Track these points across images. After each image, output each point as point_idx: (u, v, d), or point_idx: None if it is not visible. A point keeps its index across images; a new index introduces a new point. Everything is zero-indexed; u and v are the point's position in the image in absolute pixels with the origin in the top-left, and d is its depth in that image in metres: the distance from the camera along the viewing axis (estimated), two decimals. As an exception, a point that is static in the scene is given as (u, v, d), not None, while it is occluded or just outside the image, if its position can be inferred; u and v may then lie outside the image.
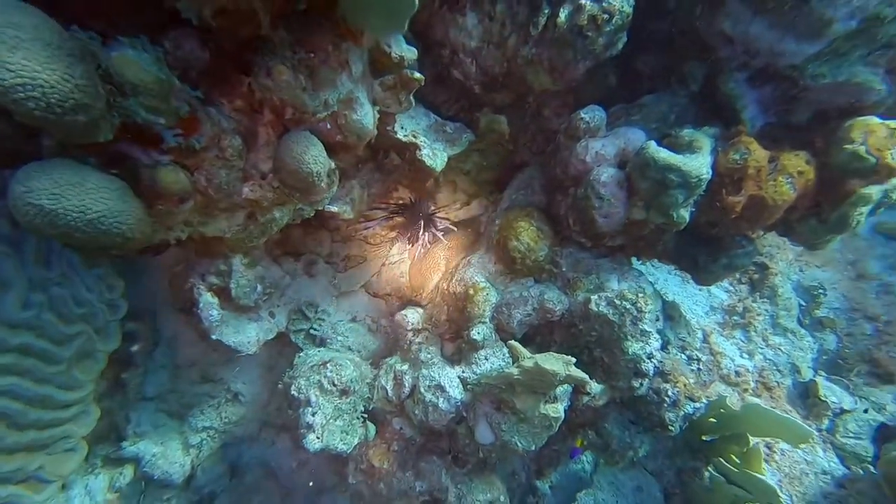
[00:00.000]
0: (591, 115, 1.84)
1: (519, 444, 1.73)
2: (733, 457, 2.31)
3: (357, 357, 2.12)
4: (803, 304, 3.48)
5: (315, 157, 1.14)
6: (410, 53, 1.69)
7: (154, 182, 0.99)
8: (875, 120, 1.50)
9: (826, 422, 2.93)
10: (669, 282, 3.14)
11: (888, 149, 1.46)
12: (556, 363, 1.48)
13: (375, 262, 2.76)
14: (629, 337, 1.73)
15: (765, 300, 3.37)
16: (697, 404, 1.84)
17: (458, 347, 1.91)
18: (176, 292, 2.25)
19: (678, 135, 1.64)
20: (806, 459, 2.76)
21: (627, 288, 1.86)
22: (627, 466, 2.53)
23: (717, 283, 2.08)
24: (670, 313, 2.34)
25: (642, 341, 1.73)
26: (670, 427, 1.84)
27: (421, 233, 2.37)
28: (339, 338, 2.45)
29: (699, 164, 1.48)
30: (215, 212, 1.18)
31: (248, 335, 2.29)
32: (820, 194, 1.68)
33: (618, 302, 1.76)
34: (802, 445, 2.71)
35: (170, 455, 2.34)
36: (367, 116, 1.30)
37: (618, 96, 2.22)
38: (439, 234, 2.34)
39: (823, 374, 3.23)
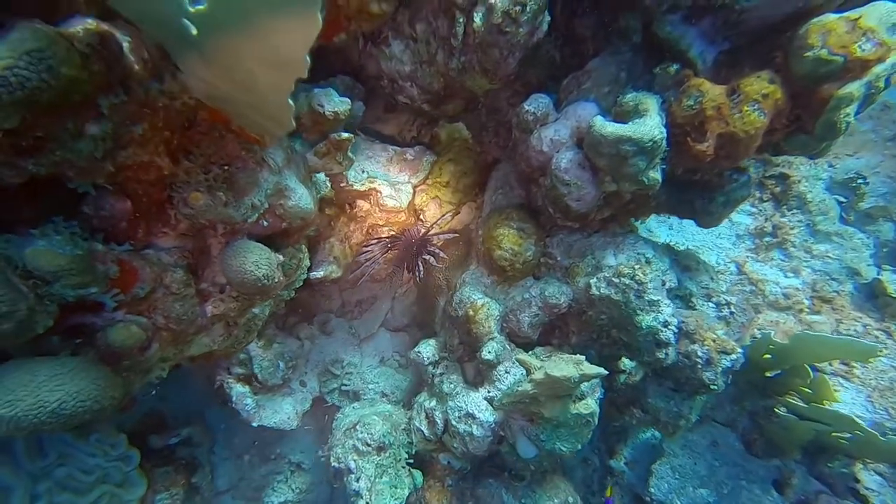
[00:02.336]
0: (535, 104, 1.79)
1: (563, 448, 1.70)
2: (803, 389, 2.18)
3: (388, 405, 2.15)
4: (843, 200, 3.21)
5: (256, 263, 1.17)
6: (344, 106, 1.71)
7: (108, 345, 1.04)
8: (830, 17, 1.35)
9: (904, 320, 2.70)
10: (683, 229, 2.98)
11: (853, 42, 1.31)
12: (567, 367, 1.44)
13: (386, 298, 2.78)
14: (638, 311, 1.66)
15: (795, 211, 3.13)
16: (734, 355, 1.74)
17: (478, 368, 1.89)
18: (213, 389, 2.36)
19: (622, 102, 1.55)
20: (893, 366, 2.55)
21: (624, 262, 1.78)
22: (695, 425, 2.43)
23: (723, 220, 1.96)
24: (686, 264, 2.22)
25: (653, 312, 1.66)
26: (713, 387, 1.75)
27: (415, 261, 2.37)
28: (371, 386, 2.50)
29: (649, 127, 1.40)
30: (188, 338, 1.23)
31: (285, 412, 2.38)
32: (797, 108, 1.55)
33: (616, 280, 1.69)
34: (886, 352, 2.51)
35: (257, 542, 2.46)
36: (302, 199, 1.31)
37: (567, 66, 2.14)
38: (433, 258, 2.32)
39: (889, 267, 2.95)
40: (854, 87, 1.39)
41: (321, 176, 1.75)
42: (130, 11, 0.80)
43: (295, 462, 2.63)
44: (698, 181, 1.79)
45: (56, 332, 1.01)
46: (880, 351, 2.14)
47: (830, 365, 2.37)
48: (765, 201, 3.21)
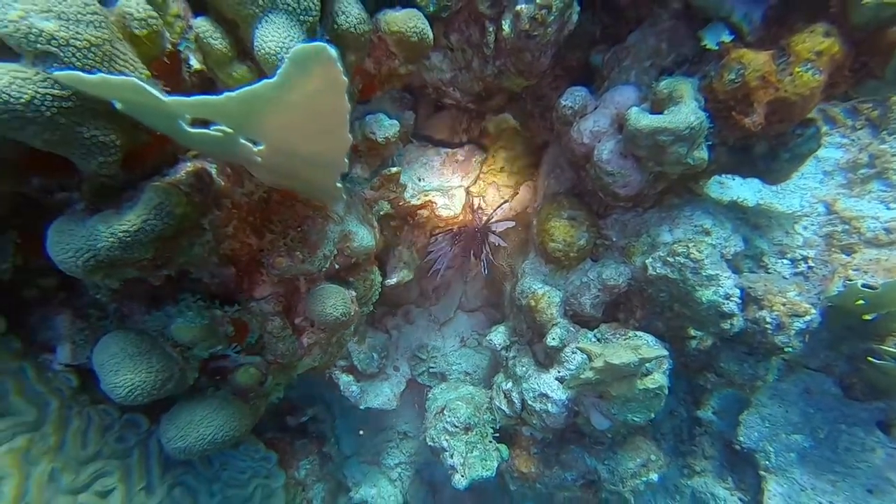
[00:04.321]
0: (572, 99, 1.78)
1: (635, 419, 1.82)
2: (902, 336, 2.05)
3: (471, 387, 2.40)
4: (964, 115, 2.74)
5: (334, 306, 1.40)
6: (393, 130, 1.89)
7: (237, 385, 1.37)
8: None
9: None
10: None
11: None
12: (625, 353, 1.54)
13: (459, 283, 2.99)
14: (697, 287, 1.68)
15: (896, 135, 2.74)
16: (808, 317, 1.70)
17: (546, 351, 2.05)
18: (326, 380, 2.78)
19: (656, 90, 1.51)
20: None
21: (680, 237, 1.78)
22: (786, 374, 2.39)
23: (791, 176, 1.84)
24: (756, 221, 2.12)
25: (714, 286, 1.66)
26: (787, 349, 1.73)
27: (478, 248, 2.53)
28: (455, 367, 2.78)
29: (684, 115, 1.37)
30: (293, 365, 1.53)
31: (385, 394, 2.76)
32: (862, 55, 1.41)
33: (671, 259, 1.71)
34: None
35: (383, 492, 2.93)
36: (364, 239, 1.52)
37: (608, 38, 2.07)
38: (499, 242, 2.45)
39: None
40: (928, 23, 1.24)
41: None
42: (211, 153, 1.01)
43: (402, 431, 3.05)
44: (757, 144, 1.70)
45: (202, 375, 1.35)
46: None
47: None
48: (858, 129, 2.83)
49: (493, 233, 2.48)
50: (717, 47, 1.48)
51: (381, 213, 2.14)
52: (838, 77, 1.41)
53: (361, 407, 2.65)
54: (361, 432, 3.08)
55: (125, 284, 1.19)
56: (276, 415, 2.83)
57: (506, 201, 2.65)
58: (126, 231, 0.91)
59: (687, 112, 1.38)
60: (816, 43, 1.35)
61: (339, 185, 1.11)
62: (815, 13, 1.39)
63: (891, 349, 1.97)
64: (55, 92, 0.80)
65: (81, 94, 0.83)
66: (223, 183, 1.14)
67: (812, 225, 2.49)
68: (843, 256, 2.38)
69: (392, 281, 2.27)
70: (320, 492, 2.66)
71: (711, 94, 1.47)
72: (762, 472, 2.20)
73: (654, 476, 2.08)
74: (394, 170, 1.71)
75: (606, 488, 2.10)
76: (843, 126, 2.73)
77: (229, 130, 0.80)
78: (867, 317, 2.16)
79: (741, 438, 2.33)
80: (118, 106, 0.83)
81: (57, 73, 0.77)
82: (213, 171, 1.12)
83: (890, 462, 2.04)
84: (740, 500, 2.32)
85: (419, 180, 2.36)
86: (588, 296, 2.01)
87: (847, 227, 2.54)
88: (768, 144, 1.69)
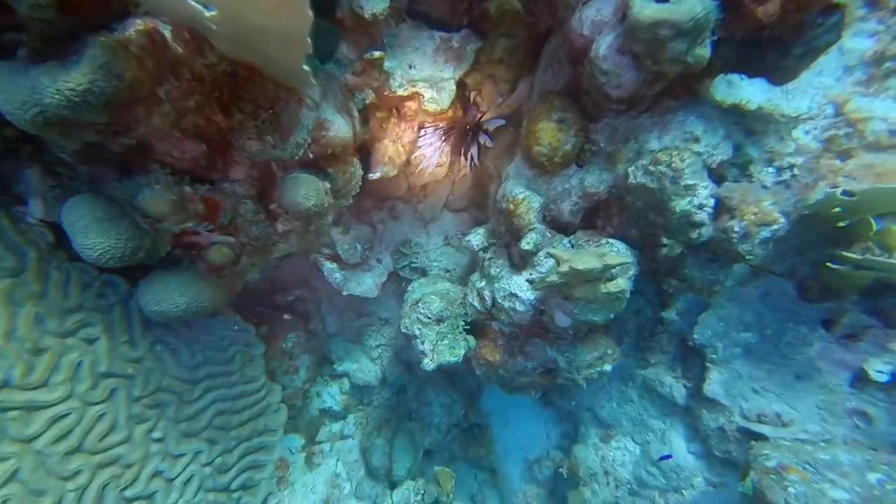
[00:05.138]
0: (575, -23, 1.60)
1: (595, 319, 1.94)
2: (870, 244, 2.09)
3: (447, 284, 2.50)
4: None
5: (306, 196, 1.39)
6: (382, 5, 1.72)
7: (209, 262, 1.41)
8: None
9: None
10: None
11: None
12: (591, 259, 1.59)
13: (447, 182, 2.96)
14: (673, 197, 1.68)
15: (941, 20, 2.43)
16: (775, 226, 1.72)
17: (520, 254, 2.11)
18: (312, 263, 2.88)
19: None
20: None
21: (668, 144, 1.73)
22: (747, 279, 2.46)
23: (800, 74, 1.72)
24: (752, 127, 2.04)
25: (689, 196, 1.66)
26: (748, 257, 1.79)
27: (468, 146, 2.46)
28: (436, 263, 2.88)
29: (688, 5, 1.24)
30: (269, 248, 1.57)
31: (367, 284, 2.88)
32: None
33: (652, 168, 1.69)
34: None
35: (364, 367, 3.22)
36: (340, 129, 1.46)
37: None
38: (486, 141, 2.37)
39: None
40: None
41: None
42: (161, 12, 0.93)
43: (383, 318, 3.25)
44: (768, 36, 1.56)
45: (176, 248, 1.40)
46: None
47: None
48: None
49: (485, 131, 2.39)
50: None
51: (367, 101, 2.03)
52: None
53: (344, 293, 2.78)
54: (347, 312, 3.27)
55: (88, 148, 1.16)
56: (266, 292, 3.02)
57: (502, 97, 2.52)
58: (72, 90, 0.87)
59: (692, 3, 1.25)
60: None
61: (305, 67, 1.04)
62: None
63: (851, 255, 2.02)
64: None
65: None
66: (180, 49, 1.06)
67: (815, 129, 2.34)
68: (837, 162, 2.29)
69: (375, 176, 2.24)
70: (306, 361, 2.94)
71: (723, -22, 1.32)
72: (707, 364, 2.40)
73: (607, 367, 2.27)
74: (376, 54, 1.59)
75: (563, 376, 2.31)
76: (886, 8, 2.43)
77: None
78: (841, 223, 2.18)
79: (695, 336, 2.47)
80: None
81: None
82: (168, 35, 1.03)
83: (822, 353, 2.21)
84: (685, 386, 2.58)
85: (409, 67, 2.20)
86: (568, 202, 2.01)
87: (851, 129, 2.37)
88: (781, 38, 1.55)
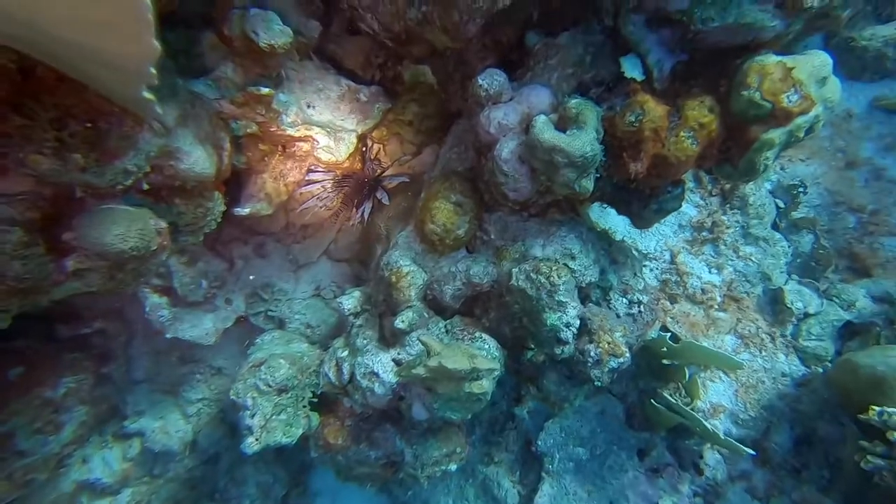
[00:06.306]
0: (489, 80, 1.67)
1: (452, 417, 1.86)
2: (680, 385, 2.46)
3: (304, 345, 2.21)
4: (782, 206, 3.31)
5: (122, 236, 1.07)
6: (283, 38, 1.53)
7: None
8: (771, 60, 1.34)
9: (790, 327, 2.96)
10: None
11: (782, 92, 1.31)
12: (461, 359, 1.52)
13: (332, 229, 2.70)
14: (546, 309, 1.75)
15: (735, 210, 3.21)
16: (621, 359, 1.90)
17: (393, 330, 1.96)
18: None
19: (566, 106, 1.49)
20: (765, 367, 2.86)
21: (550, 254, 1.82)
22: (591, 394, 2.69)
23: (654, 225, 2.02)
24: (614, 257, 2.30)
25: (560, 311, 1.75)
26: (597, 382, 1.93)
27: (363, 201, 2.29)
28: (297, 317, 2.54)
29: (581, 143, 1.36)
30: (45, 289, 1.15)
31: (204, 327, 2.40)
32: (730, 139, 1.54)
33: (533, 276, 1.75)
34: (763, 353, 2.81)
35: (170, 426, 2.59)
36: (197, 163, 1.20)
37: (544, 25, 1.96)
38: (384, 198, 2.24)
39: (796, 278, 3.16)
40: (776, 134, 1.41)
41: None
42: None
43: (216, 367, 2.71)
44: (635, 189, 1.79)
45: None
46: (742, 367, 2.43)
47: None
48: (713, 195, 3.24)
49: (384, 188, 2.27)
50: (635, 77, 1.49)
51: (248, 131, 1.77)
52: (708, 152, 1.54)
53: (168, 335, 2.26)
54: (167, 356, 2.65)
55: None
56: (41, 319, 2.26)
57: (406, 157, 2.45)
58: None
59: (585, 141, 1.37)
60: (702, 114, 1.44)
61: (146, 95, 0.81)
62: (710, 84, 1.48)
63: (665, 394, 2.34)
64: None
65: None
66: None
67: (656, 269, 2.81)
68: (668, 304, 2.74)
69: (244, 211, 1.94)
70: (80, 415, 2.24)
71: (611, 127, 1.49)
72: (543, 474, 2.47)
73: (453, 466, 2.18)
74: (264, 90, 1.41)
75: (406, 471, 2.14)
76: (704, 189, 3.10)
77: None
78: (666, 362, 2.54)
79: (539, 442, 2.58)
80: None
81: None
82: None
83: (632, 482, 2.45)
84: (518, 493, 2.59)
85: (308, 107, 2.02)
86: (451, 286, 1.96)
87: (678, 278, 2.92)
88: (643, 193, 1.79)
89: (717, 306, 2.99)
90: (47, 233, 1.06)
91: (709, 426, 2.09)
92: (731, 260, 3.12)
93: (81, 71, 0.85)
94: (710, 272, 3.09)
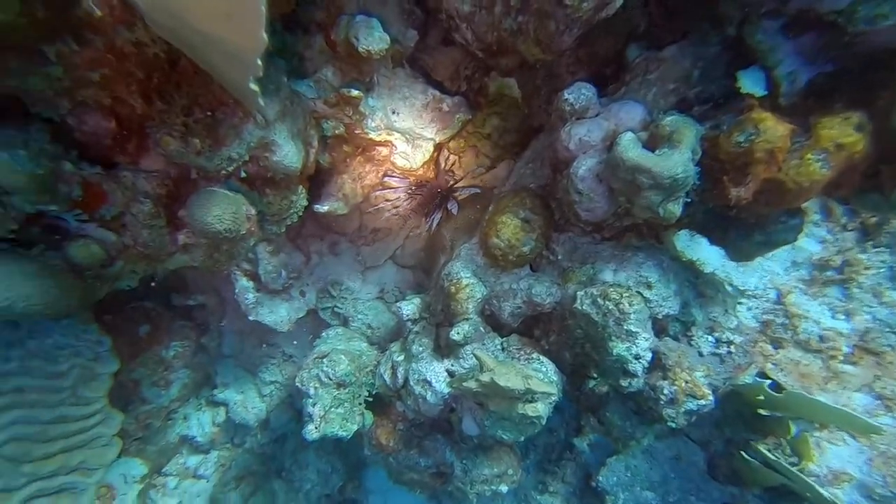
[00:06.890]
0: (576, 94, 1.55)
1: (504, 437, 1.77)
2: (783, 441, 2.09)
3: (364, 344, 2.27)
4: (944, 250, 2.69)
5: (219, 217, 1.18)
6: (381, 45, 1.59)
7: (69, 258, 1.14)
8: None
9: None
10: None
11: None
12: (515, 379, 1.44)
13: (400, 235, 2.77)
14: (613, 337, 1.58)
15: (882, 249, 2.65)
16: (702, 401, 1.66)
17: (448, 340, 1.93)
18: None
19: (659, 123, 1.31)
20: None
21: (622, 281, 1.66)
22: (662, 436, 2.41)
23: (755, 259, 1.75)
24: (702, 290, 2.03)
25: (628, 342, 1.57)
26: (670, 423, 1.70)
27: (433, 211, 2.32)
28: (360, 316, 2.63)
29: (672, 164, 1.19)
30: (161, 257, 1.32)
31: (280, 315, 2.57)
32: (883, 163, 1.25)
33: (601, 302, 1.59)
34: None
35: (249, 402, 2.83)
36: (287, 157, 1.28)
37: (649, 38, 1.81)
38: (454, 209, 2.24)
39: (959, 333, 2.53)
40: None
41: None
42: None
43: (288, 353, 2.89)
44: (735, 217, 1.56)
45: (31, 228, 1.11)
46: (881, 432, 1.97)
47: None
48: (849, 230, 2.72)
49: (455, 199, 2.27)
50: (755, 92, 1.29)
51: (336, 132, 1.87)
52: (848, 177, 1.26)
53: (250, 318, 2.46)
54: (250, 336, 2.91)
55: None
56: (162, 287, 2.57)
57: (480, 169, 2.42)
58: None
59: (677, 161, 1.20)
60: (843, 133, 1.18)
61: (253, 86, 0.87)
62: (861, 98, 1.21)
63: (764, 451, 2.00)
64: None
65: None
66: (98, 12, 0.86)
67: (756, 308, 2.44)
68: (769, 348, 2.36)
69: (322, 208, 2.04)
70: (184, 377, 2.54)
71: (713, 148, 1.29)
72: (604, 513, 2.25)
73: (503, 488, 2.08)
74: (354, 92, 1.45)
75: (455, 484, 2.09)
76: (836, 222, 2.61)
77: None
78: (762, 412, 2.19)
79: (600, 478, 2.37)
80: None
81: None
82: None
83: None
84: (575, 528, 2.40)
85: (392, 113, 2.08)
86: (510, 304, 1.88)
87: (787, 321, 2.49)
88: (745, 222, 1.56)
89: (842, 357, 2.52)
90: (168, 208, 1.23)
91: (826, 494, 1.74)
92: (870, 307, 2.59)
93: (208, 61, 0.94)
94: (833, 318, 2.61)
